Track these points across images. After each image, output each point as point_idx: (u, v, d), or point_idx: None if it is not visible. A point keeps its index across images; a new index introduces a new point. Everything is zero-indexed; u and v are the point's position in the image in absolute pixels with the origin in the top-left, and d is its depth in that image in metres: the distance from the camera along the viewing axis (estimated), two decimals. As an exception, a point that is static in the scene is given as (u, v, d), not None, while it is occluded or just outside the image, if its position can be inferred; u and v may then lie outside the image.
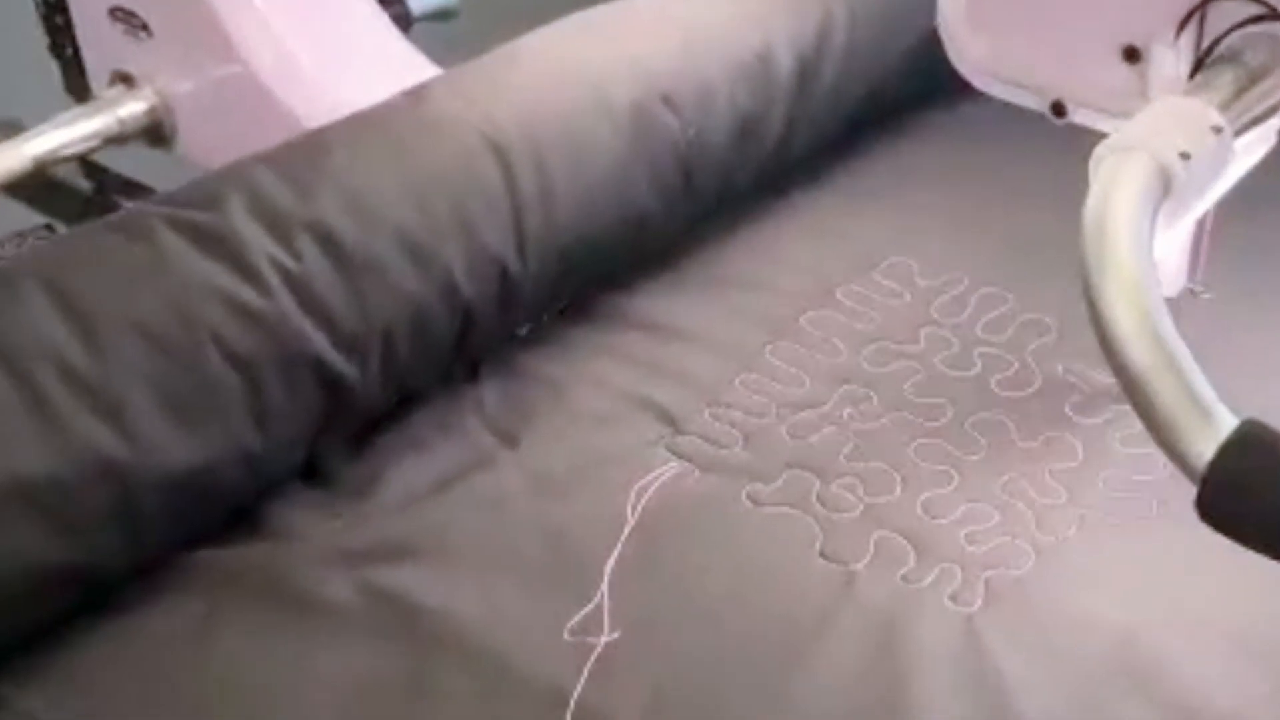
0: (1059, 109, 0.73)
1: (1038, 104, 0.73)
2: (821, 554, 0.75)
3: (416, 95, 0.88)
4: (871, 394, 0.85)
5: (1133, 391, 0.54)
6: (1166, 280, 0.75)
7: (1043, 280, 0.94)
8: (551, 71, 0.91)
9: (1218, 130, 0.62)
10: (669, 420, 0.83)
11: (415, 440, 0.83)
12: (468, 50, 0.97)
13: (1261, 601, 0.72)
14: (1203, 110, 0.63)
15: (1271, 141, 0.70)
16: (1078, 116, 0.73)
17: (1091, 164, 0.62)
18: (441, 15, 1.23)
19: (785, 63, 0.98)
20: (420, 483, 0.80)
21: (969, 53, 0.75)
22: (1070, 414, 0.84)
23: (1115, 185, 0.58)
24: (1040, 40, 0.72)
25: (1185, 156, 0.60)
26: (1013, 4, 0.73)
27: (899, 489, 0.79)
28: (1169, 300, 0.59)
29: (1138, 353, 0.54)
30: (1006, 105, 1.11)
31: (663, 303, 0.93)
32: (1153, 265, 0.57)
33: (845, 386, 0.86)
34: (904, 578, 0.73)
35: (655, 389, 0.86)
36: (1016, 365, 0.88)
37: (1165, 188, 0.59)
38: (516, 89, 0.89)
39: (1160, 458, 0.77)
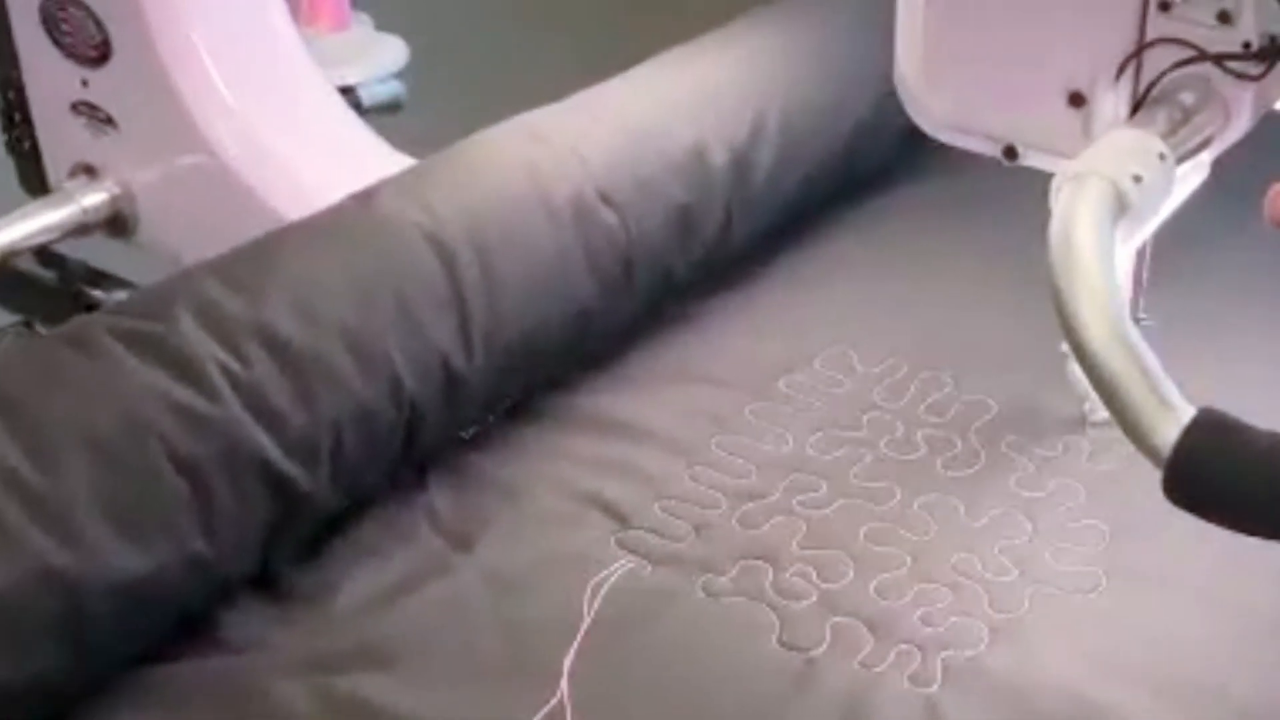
0: (1010, 152, 0.78)
1: (990, 149, 0.79)
2: (779, 642, 0.75)
3: (363, 197, 0.90)
4: (819, 481, 0.86)
5: (1102, 389, 0.59)
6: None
7: (979, 362, 0.96)
8: (493, 170, 0.93)
9: (1162, 157, 0.68)
10: (619, 517, 0.84)
11: (368, 548, 0.82)
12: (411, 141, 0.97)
13: (1215, 655, 0.73)
14: (1149, 139, 0.68)
15: (1205, 172, 0.75)
16: (1027, 159, 0.78)
17: (1052, 191, 0.66)
18: (390, 107, 1.26)
19: (720, 156, 1.01)
20: (376, 590, 0.79)
21: (927, 106, 0.80)
22: (1016, 489, 0.85)
23: (1077, 206, 0.64)
24: (993, 90, 0.77)
25: (1137, 179, 0.65)
26: (967, 59, 0.77)
27: (852, 574, 0.79)
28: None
29: (1107, 354, 0.59)
30: (931, 193, 1.16)
31: (607, 400, 0.94)
32: (1116, 274, 0.62)
33: (793, 475, 0.87)
34: (862, 662, 0.74)
35: (604, 486, 0.86)
36: (960, 445, 0.89)
37: (1121, 207, 0.65)
38: (459, 187, 0.91)
39: (1103, 529, 0.82)
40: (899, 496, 0.85)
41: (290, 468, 0.77)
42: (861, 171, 1.16)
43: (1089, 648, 0.74)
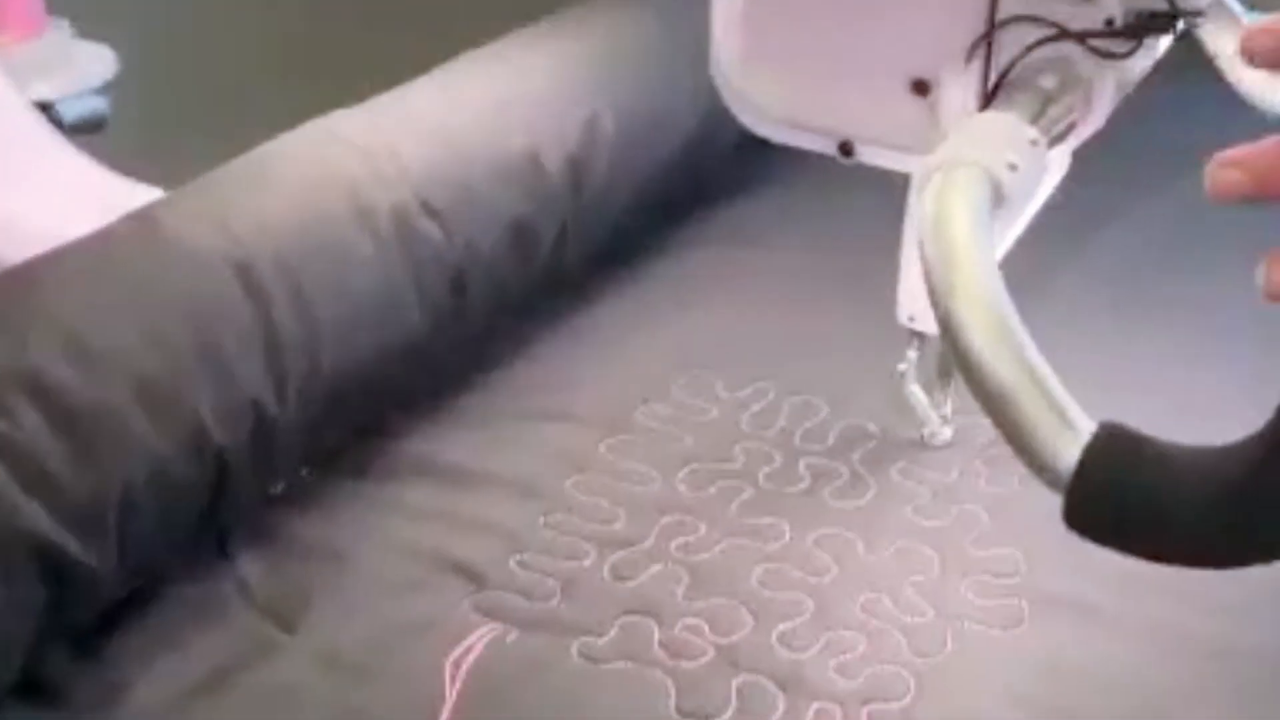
0: (846, 149, 0.71)
1: (823, 146, 0.72)
2: (678, 710, 0.64)
3: (143, 218, 0.76)
4: (697, 522, 0.76)
5: (989, 404, 0.50)
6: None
7: (850, 383, 0.87)
8: (300, 182, 0.80)
9: (1034, 143, 0.60)
10: (472, 577, 0.72)
11: (164, 637, 0.69)
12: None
13: (1155, 687, 0.66)
14: (1019, 124, 0.61)
15: (1065, 166, 0.70)
16: (865, 156, 0.71)
17: (917, 181, 0.57)
18: (93, 125, 1.11)
19: (552, 162, 0.90)
20: (180, 686, 0.66)
21: (749, 98, 0.72)
22: (915, 519, 0.76)
23: (950, 197, 0.55)
24: (824, 80, 0.70)
25: (1013, 168, 0.57)
26: (793, 44, 0.70)
27: (750, 625, 0.69)
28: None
29: (994, 369, 0.49)
30: (782, 201, 1.07)
31: (443, 445, 0.82)
32: (998, 276, 0.53)
33: (666, 517, 0.76)
34: (778, 726, 0.63)
35: (449, 543, 0.74)
36: (846, 474, 0.80)
37: (997, 199, 0.57)
38: (261, 202, 0.78)
39: (1018, 556, 0.73)
40: (789, 534, 0.75)
41: (68, 543, 0.64)
42: (705, 176, 1.07)
43: (1024, 688, 0.66)
